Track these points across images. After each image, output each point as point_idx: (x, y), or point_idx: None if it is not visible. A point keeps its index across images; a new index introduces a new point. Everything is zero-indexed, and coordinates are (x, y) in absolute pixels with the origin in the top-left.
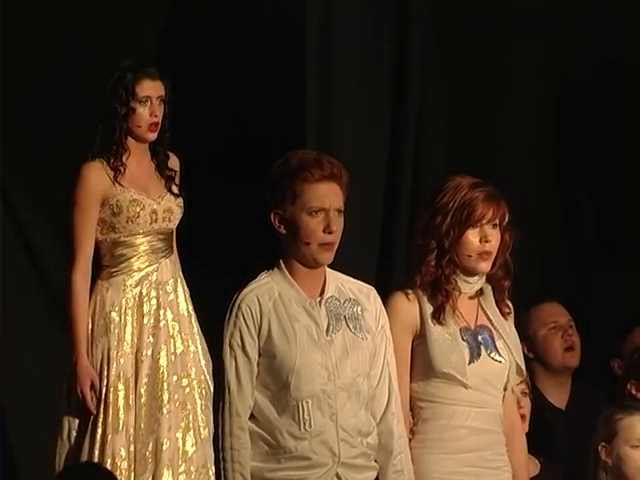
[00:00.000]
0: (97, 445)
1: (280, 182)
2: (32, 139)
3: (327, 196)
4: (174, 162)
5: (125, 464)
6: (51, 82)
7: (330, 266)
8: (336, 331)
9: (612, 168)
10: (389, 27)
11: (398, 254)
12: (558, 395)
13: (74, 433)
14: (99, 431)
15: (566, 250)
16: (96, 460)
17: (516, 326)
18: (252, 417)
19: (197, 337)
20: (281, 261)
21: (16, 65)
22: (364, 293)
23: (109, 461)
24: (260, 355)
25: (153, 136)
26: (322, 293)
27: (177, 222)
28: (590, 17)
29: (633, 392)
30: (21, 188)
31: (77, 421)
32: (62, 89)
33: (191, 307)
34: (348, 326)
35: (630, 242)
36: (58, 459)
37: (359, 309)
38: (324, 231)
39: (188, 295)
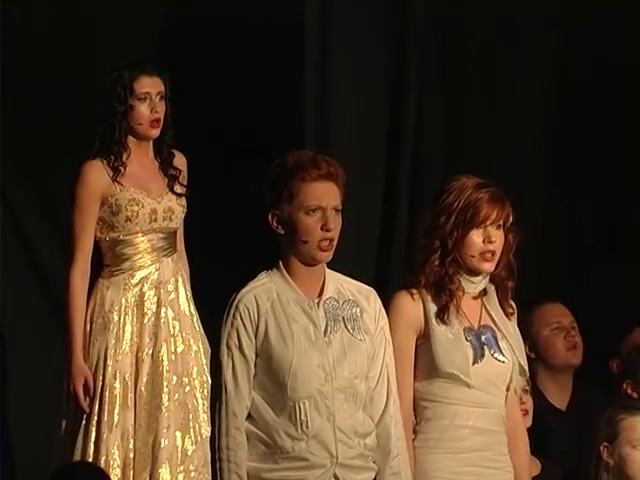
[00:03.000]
0: (91, 443)
1: (277, 182)
2: (32, 139)
3: (324, 195)
4: (179, 161)
5: (119, 462)
6: (51, 82)
7: (329, 265)
8: (334, 332)
9: (611, 167)
10: (387, 28)
11: (397, 254)
12: (559, 396)
13: (70, 431)
14: (93, 429)
15: (565, 250)
16: (90, 458)
17: (519, 326)
18: (249, 417)
19: (199, 337)
20: (280, 261)
21: (16, 65)
22: (363, 294)
23: (103, 459)
24: (257, 355)
25: (156, 132)
26: (321, 294)
27: (179, 221)
28: (589, 17)
29: (629, 392)
30: (21, 189)
31: (74, 419)
32: (62, 89)
33: (193, 307)
34: (346, 327)
35: (628, 242)
36: (59, 458)
37: (358, 310)
38: (322, 229)
39: (190, 295)
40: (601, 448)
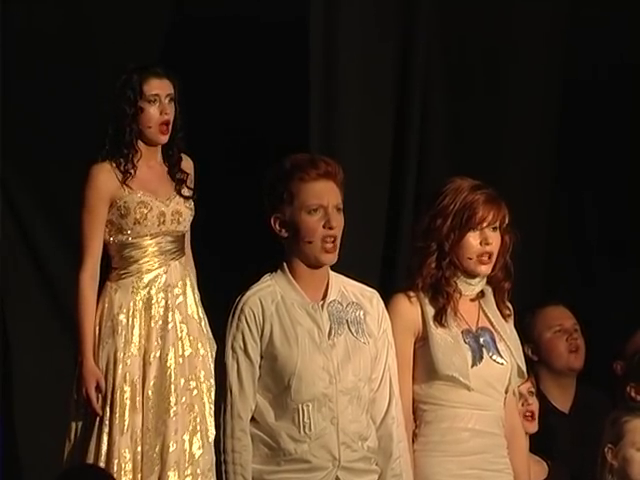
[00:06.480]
0: (103, 446)
1: (276, 185)
2: (33, 139)
3: (324, 193)
4: (187, 165)
5: (130, 466)
6: (53, 82)
7: (333, 267)
8: (338, 335)
9: (615, 167)
10: (393, 28)
11: (402, 256)
12: (562, 398)
13: (80, 434)
14: (105, 432)
15: (569, 251)
16: (102, 461)
17: (517, 328)
18: (253, 420)
19: (207, 340)
20: (284, 264)
21: (17, 65)
22: (367, 297)
23: (115, 462)
24: (262, 358)
25: (165, 138)
26: (325, 296)
27: (187, 224)
28: (592, 17)
29: (632, 394)
30: (23, 189)
31: (83, 422)
32: (64, 89)
33: (201, 310)
34: (350, 330)
35: (633, 242)
36: (66, 460)
37: (362, 313)
38: (324, 227)
39: (198, 298)
40: (605, 450)
